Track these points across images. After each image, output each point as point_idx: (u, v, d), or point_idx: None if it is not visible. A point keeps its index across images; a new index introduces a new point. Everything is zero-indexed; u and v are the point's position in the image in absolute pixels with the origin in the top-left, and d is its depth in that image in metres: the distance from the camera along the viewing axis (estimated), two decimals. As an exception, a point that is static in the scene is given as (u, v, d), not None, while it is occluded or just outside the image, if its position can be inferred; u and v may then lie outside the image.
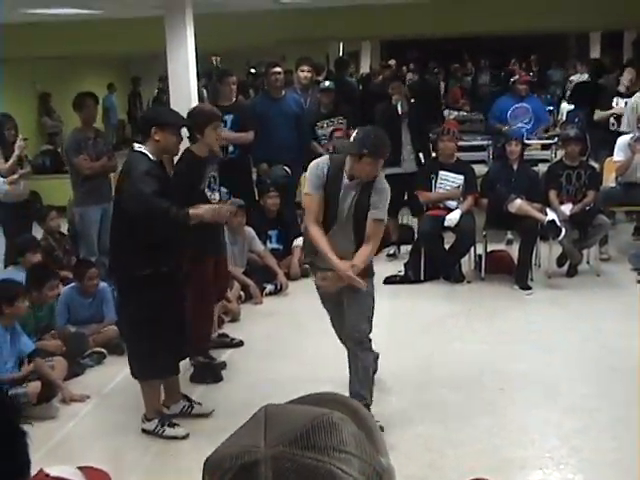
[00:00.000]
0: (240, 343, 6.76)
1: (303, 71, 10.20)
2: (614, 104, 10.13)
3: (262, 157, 9.08)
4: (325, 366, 5.85)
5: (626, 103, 9.88)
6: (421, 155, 9.15)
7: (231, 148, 8.61)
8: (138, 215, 4.79)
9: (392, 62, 17.12)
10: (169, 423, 5.16)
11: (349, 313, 4.91)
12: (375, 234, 4.86)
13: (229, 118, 8.50)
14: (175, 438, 5.08)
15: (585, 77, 13.28)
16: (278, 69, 9.25)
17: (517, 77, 10.95)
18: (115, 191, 5.54)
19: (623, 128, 9.66)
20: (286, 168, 8.96)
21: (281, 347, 6.70)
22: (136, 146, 5.07)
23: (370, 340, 4.95)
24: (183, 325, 5.21)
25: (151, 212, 4.78)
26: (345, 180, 4.84)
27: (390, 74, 12.89)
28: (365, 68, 18.55)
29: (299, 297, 7.90)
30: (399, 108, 8.94)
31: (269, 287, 8.09)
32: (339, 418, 0.93)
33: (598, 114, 10.29)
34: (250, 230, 8.12)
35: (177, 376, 5.40)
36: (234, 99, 8.86)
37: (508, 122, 9.99)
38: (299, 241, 8.50)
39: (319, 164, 4.91)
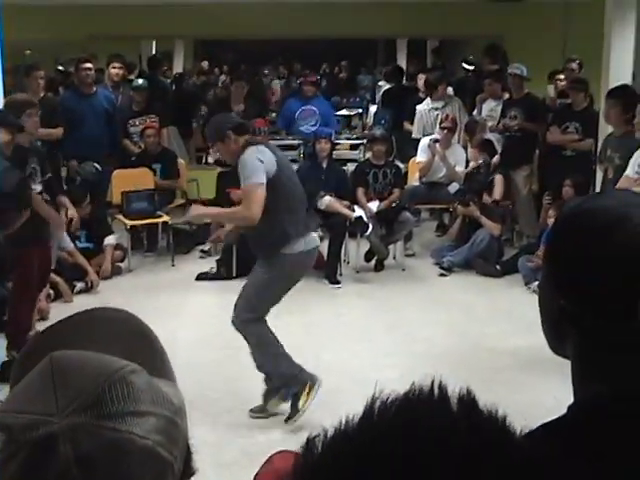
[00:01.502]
0: None
1: (115, 68, 10.11)
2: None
3: (72, 154, 8.92)
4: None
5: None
6: None
7: (39, 144, 8.39)
8: None
9: (205, 63, 17.14)
10: None
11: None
12: None
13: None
14: None
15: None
16: (88, 65, 9.12)
17: (302, 79, 11.27)
18: None
19: (415, 135, 10.14)
20: (96, 165, 8.83)
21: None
22: None
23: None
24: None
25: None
26: None
27: (237, 75, 12.94)
28: (178, 68, 18.44)
29: (110, 295, 7.81)
30: (235, 108, 9.05)
31: (79, 285, 7.94)
32: (131, 372, 0.89)
33: (407, 126, 10.74)
34: (59, 228, 7.92)
35: None
36: (42, 94, 8.65)
37: (296, 123, 10.23)
38: (110, 239, 8.41)
39: None
